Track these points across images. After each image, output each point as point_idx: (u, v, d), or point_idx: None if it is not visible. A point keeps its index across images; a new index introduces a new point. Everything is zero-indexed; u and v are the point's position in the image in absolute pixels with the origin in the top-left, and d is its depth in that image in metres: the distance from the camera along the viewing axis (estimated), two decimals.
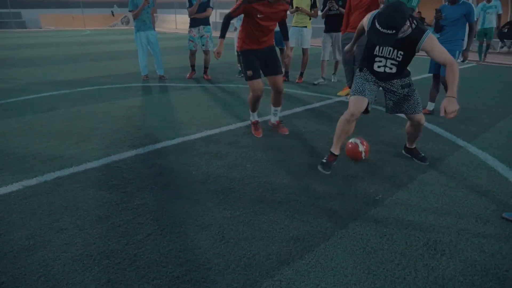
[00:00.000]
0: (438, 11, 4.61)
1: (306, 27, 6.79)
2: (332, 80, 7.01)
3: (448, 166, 3.31)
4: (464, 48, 4.73)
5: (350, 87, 5.87)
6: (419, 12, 13.73)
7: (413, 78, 3.21)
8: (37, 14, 28.86)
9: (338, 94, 5.94)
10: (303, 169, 3.23)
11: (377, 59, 3.01)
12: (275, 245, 2.20)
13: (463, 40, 4.69)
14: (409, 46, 2.81)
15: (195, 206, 2.64)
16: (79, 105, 5.36)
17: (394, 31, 2.58)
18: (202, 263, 2.05)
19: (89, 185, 2.94)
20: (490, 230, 2.36)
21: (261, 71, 3.83)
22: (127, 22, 27.87)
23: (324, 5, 6.34)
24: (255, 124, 4.14)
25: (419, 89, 3.29)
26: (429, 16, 14.05)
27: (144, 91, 6.35)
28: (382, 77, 3.10)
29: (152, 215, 2.52)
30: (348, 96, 5.67)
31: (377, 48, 2.96)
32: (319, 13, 6.72)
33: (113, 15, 29.06)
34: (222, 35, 3.70)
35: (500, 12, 10.05)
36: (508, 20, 12.23)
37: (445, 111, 2.53)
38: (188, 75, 7.41)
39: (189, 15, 6.96)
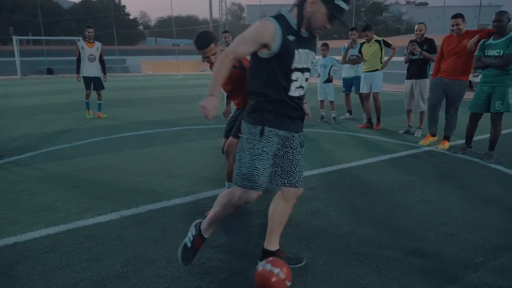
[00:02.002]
0: None
1: (378, 69, 6.69)
2: (415, 135, 6.20)
3: None
4: None
5: (432, 135, 5.55)
6: None
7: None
8: (139, 61, 32.54)
9: (420, 143, 5.57)
10: (389, 221, 3.06)
11: (294, 75, 2.06)
12: None
13: None
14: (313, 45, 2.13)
15: None
16: (171, 143, 5.79)
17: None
18: None
19: (177, 219, 3.10)
20: None
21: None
22: None
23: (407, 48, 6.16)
24: None
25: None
26: None
27: None
28: (292, 116, 2.15)
29: (235, 255, 2.55)
30: (440, 146, 5.29)
31: (297, 54, 2.03)
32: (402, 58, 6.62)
33: (203, 61, 31.53)
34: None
35: None
36: None
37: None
38: None
39: None
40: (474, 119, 4.84)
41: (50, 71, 27.44)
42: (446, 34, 5.41)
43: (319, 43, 8.82)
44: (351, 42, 7.21)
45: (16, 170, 4.54)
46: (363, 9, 40.13)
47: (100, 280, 2.29)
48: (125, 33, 38.40)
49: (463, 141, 5.14)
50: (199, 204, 3.42)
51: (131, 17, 48.99)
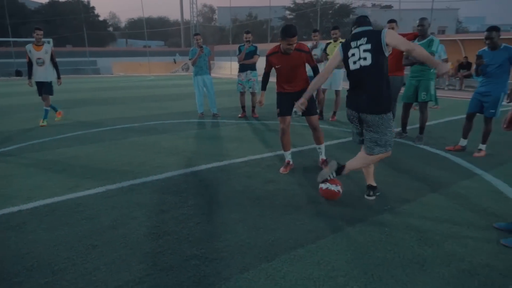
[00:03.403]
0: (479, 57, 4.73)
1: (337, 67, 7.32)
2: None
3: (460, 188, 3.74)
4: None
5: None
6: (465, 57, 14.05)
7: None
8: (110, 62, 32.50)
9: None
10: None
11: None
12: (294, 234, 2.81)
13: (507, 82, 4.70)
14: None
15: (235, 207, 3.33)
16: (146, 135, 6.40)
17: None
18: (237, 241, 2.71)
19: (155, 190, 3.76)
20: (479, 235, 2.80)
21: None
22: (187, 69, 30.43)
23: None
24: (287, 163, 4.44)
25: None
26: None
27: (200, 125, 7.32)
28: None
29: (202, 211, 3.24)
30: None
31: None
32: None
33: (175, 62, 31.94)
34: (263, 88, 4.59)
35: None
36: None
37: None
38: (240, 115, 8.32)
39: (238, 61, 8.01)
40: (406, 108, 5.75)
41: (18, 73, 27.11)
42: None
43: None
44: (315, 43, 7.92)
45: (5, 159, 5.04)
46: (330, 11, 41.57)
47: (95, 230, 2.93)
48: (95, 34, 38.15)
49: (400, 128, 6.03)
50: (173, 179, 4.08)
51: (101, 18, 48.47)
